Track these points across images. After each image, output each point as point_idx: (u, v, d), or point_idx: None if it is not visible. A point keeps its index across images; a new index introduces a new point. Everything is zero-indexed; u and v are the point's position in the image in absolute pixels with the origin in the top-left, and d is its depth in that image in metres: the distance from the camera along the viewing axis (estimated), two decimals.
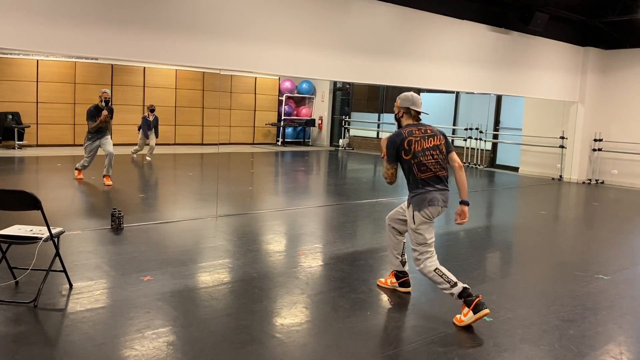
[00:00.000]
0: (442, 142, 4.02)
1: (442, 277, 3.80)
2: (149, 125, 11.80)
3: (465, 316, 3.67)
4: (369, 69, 7.99)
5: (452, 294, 3.75)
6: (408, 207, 4.03)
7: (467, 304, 3.67)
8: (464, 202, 3.95)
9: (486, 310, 3.63)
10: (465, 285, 3.74)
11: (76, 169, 9.00)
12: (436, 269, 3.84)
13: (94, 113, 8.51)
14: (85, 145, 8.70)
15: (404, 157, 3.94)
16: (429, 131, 4.03)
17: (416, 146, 3.94)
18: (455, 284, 3.74)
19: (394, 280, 4.37)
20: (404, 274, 4.35)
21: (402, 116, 4.13)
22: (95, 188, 8.40)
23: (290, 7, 7.08)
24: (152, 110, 11.87)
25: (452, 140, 15.29)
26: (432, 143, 4.00)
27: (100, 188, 8.40)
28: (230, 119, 16.98)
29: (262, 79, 17.48)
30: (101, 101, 8.52)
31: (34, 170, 10.32)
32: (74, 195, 7.82)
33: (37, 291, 3.73)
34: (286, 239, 6.01)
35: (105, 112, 8.47)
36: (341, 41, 7.60)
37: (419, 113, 4.11)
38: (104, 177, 8.72)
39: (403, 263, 4.33)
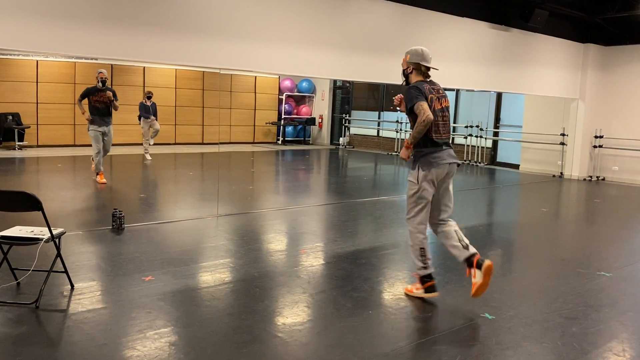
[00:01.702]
0: (449, 105, 4.07)
1: (422, 257, 4.02)
2: (146, 110, 11.81)
3: (417, 290, 4.10)
4: (369, 67, 7.98)
5: (418, 272, 4.06)
6: (411, 168, 4.02)
7: (422, 282, 4.06)
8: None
9: (435, 294, 4.04)
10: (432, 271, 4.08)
11: (97, 173, 8.70)
12: (422, 248, 4.02)
13: (89, 92, 8.36)
14: (89, 132, 8.46)
15: None
16: (440, 92, 4.01)
17: (435, 105, 3.92)
18: (427, 268, 4.02)
19: (475, 278, 3.91)
20: (473, 255, 3.92)
21: (411, 72, 4.03)
22: (96, 188, 8.39)
23: (290, 6, 7.06)
24: (149, 97, 11.88)
25: (453, 139, 15.30)
26: (444, 104, 4.01)
27: (100, 188, 8.39)
28: (230, 118, 16.97)
29: (262, 77, 17.46)
30: (98, 82, 8.42)
31: (35, 171, 10.32)
32: (75, 196, 7.82)
33: (38, 292, 3.73)
34: (287, 238, 6.01)
35: (109, 94, 8.32)
36: (341, 39, 7.59)
37: (429, 69, 4.02)
38: (97, 174, 8.63)
39: (466, 247, 3.94)
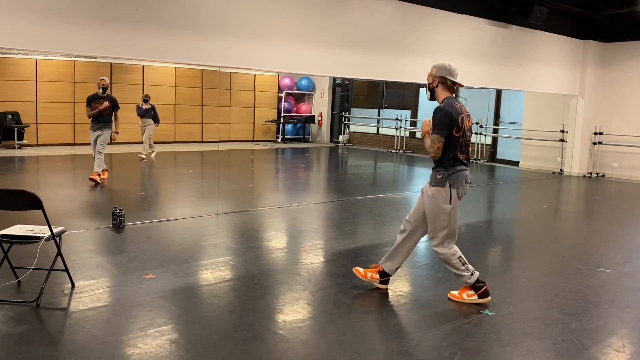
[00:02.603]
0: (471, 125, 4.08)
1: (464, 265, 3.96)
2: (140, 112, 11.79)
3: (469, 297, 4.01)
4: (368, 65, 7.97)
5: (467, 282, 3.97)
6: (438, 185, 3.89)
7: (475, 289, 3.99)
8: None
9: (489, 298, 4.00)
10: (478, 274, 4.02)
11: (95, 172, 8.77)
12: (460, 256, 3.97)
13: (91, 100, 8.51)
14: (90, 138, 8.65)
15: (455, 133, 3.85)
16: (465, 110, 3.97)
17: (465, 124, 3.91)
18: (473, 273, 3.96)
19: (375, 275, 4.22)
20: (387, 274, 4.20)
21: (436, 86, 3.97)
22: (96, 187, 8.39)
23: (288, 4, 7.06)
24: (145, 100, 11.87)
25: None
26: (470, 124, 4.01)
27: (100, 186, 8.39)
28: (229, 117, 16.97)
29: (261, 75, 17.45)
30: (99, 88, 8.54)
31: (35, 170, 10.32)
32: (75, 195, 7.82)
33: (39, 290, 3.73)
34: (287, 235, 6.01)
35: (105, 104, 8.46)
36: (340, 37, 7.59)
37: (455, 84, 3.98)
38: (93, 173, 8.67)
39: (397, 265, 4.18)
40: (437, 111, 3.89)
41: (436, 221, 3.92)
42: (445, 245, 3.95)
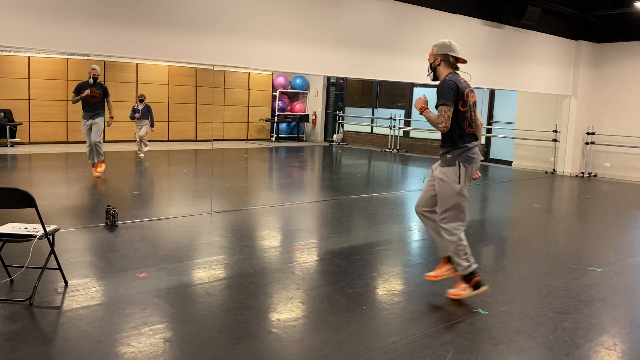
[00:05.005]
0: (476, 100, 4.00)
1: (466, 254, 3.90)
2: (135, 112, 11.78)
3: (464, 291, 3.95)
4: (362, 64, 7.99)
5: (462, 272, 3.93)
6: (448, 165, 3.83)
7: (468, 280, 3.94)
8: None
9: (485, 287, 3.91)
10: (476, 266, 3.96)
11: (92, 165, 8.96)
12: (464, 246, 3.90)
13: (81, 87, 8.52)
14: (82, 128, 8.71)
15: (461, 108, 3.78)
16: (469, 85, 3.92)
17: (470, 99, 3.84)
18: (471, 266, 3.93)
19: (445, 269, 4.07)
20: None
21: (439, 64, 3.93)
22: (90, 185, 8.37)
23: (283, 3, 7.06)
24: (141, 100, 11.85)
25: None
26: (474, 99, 3.94)
27: (95, 185, 8.37)
28: (223, 115, 16.94)
29: (255, 74, 17.43)
30: (90, 77, 8.56)
31: (27, 168, 10.26)
32: (68, 193, 7.79)
33: (32, 289, 3.72)
34: (281, 234, 6.01)
35: (88, 92, 8.46)
36: (334, 36, 7.60)
37: (457, 60, 3.92)
38: (92, 166, 8.87)
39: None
40: (442, 84, 3.84)
41: (446, 202, 3.87)
42: (453, 226, 3.87)
